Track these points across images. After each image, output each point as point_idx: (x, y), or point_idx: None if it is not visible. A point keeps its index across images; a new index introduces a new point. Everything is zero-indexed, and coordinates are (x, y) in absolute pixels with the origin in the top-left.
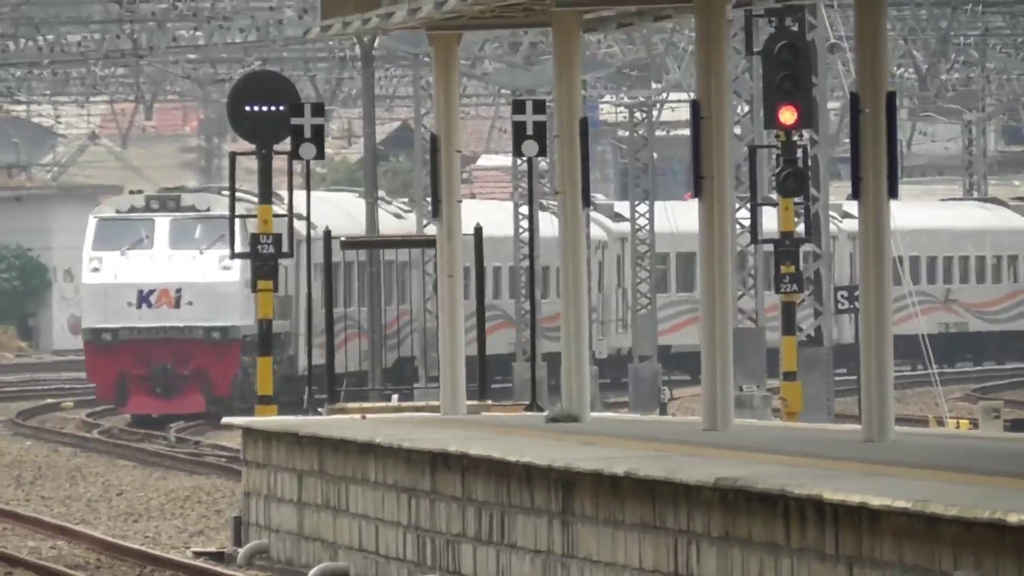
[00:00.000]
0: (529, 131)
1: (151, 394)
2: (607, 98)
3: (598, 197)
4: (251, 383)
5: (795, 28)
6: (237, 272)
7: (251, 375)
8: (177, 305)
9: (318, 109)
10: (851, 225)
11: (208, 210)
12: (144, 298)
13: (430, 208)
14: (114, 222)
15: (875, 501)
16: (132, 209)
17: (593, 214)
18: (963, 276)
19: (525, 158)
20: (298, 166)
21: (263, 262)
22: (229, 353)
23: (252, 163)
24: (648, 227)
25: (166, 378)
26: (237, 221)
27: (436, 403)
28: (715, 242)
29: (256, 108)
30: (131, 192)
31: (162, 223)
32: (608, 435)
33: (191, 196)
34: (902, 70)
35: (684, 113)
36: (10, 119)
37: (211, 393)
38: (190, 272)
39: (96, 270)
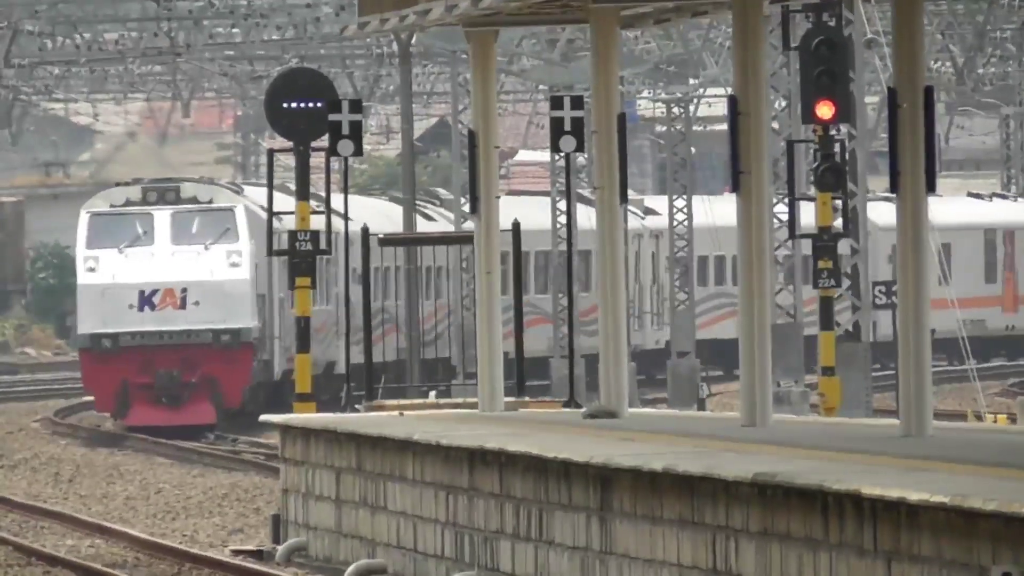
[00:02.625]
0: (567, 127)
1: (155, 404)
2: (645, 94)
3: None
4: (264, 390)
5: (832, 23)
6: (247, 269)
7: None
8: (183, 306)
9: (356, 106)
10: (879, 218)
11: (211, 202)
12: (146, 299)
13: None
14: (108, 217)
15: (913, 496)
16: (128, 203)
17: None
18: None
19: (563, 154)
20: (336, 163)
21: (301, 259)
22: (240, 358)
23: (289, 160)
24: (687, 222)
25: (172, 386)
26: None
27: (474, 400)
28: (753, 237)
29: (294, 105)
30: (121, 183)
31: (162, 217)
32: (646, 431)
33: (192, 187)
34: (939, 64)
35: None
36: (48, 117)
37: (221, 402)
38: (196, 270)
39: (92, 270)
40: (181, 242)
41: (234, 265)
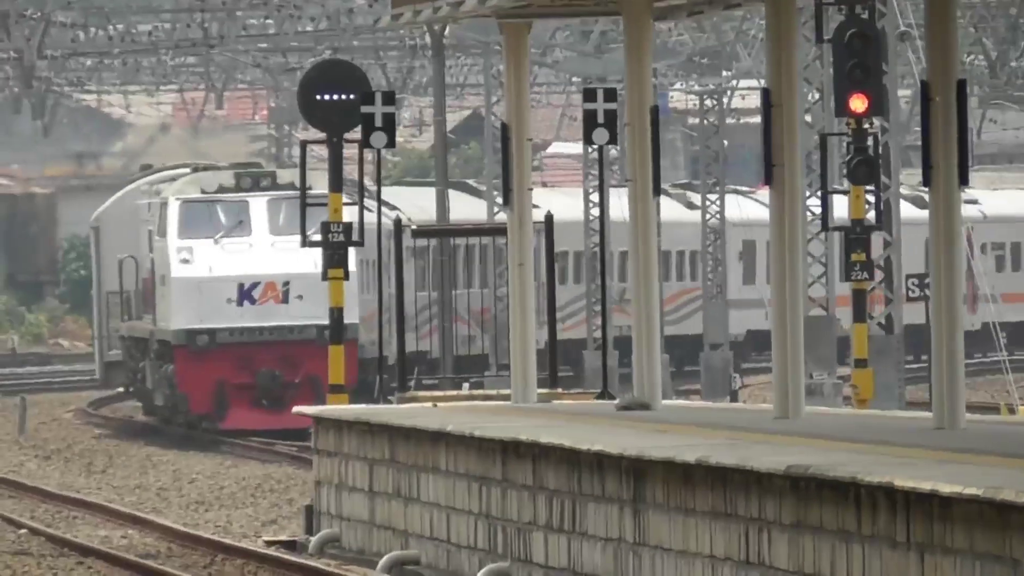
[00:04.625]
0: (600, 119)
1: (255, 406)
2: (678, 86)
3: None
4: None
5: (865, 16)
6: (352, 261)
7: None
8: (285, 300)
9: (389, 97)
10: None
11: (311, 189)
12: (246, 293)
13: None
14: (201, 205)
15: (946, 488)
16: (220, 189)
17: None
18: None
19: (596, 146)
20: (369, 155)
21: (334, 250)
22: (347, 357)
23: (323, 151)
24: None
25: (273, 387)
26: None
27: (507, 391)
28: (786, 230)
29: (327, 97)
30: (205, 168)
31: (258, 205)
32: (679, 423)
33: (289, 173)
34: (972, 58)
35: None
36: (80, 109)
37: (326, 404)
38: (298, 262)
39: (186, 261)
40: (281, 232)
41: None
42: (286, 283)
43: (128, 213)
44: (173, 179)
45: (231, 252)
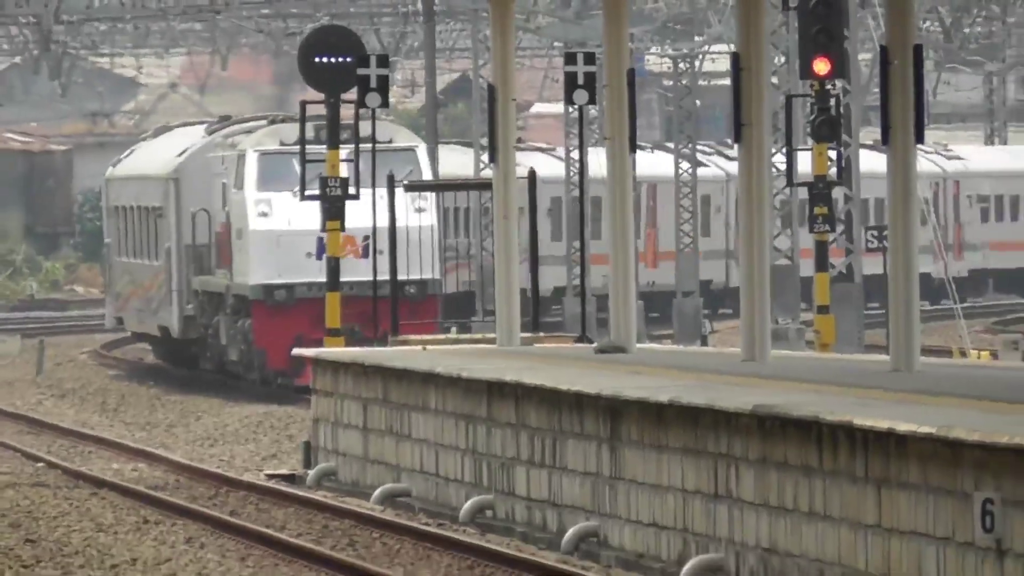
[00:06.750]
0: (580, 81)
1: None
2: (653, 50)
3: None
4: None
5: None
6: (432, 215)
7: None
8: (364, 255)
9: (383, 61)
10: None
11: (391, 141)
12: (325, 247)
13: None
14: (280, 157)
15: (902, 427)
16: (297, 141)
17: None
18: None
19: (576, 106)
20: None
21: (332, 203)
22: (427, 313)
23: (321, 110)
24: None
25: (353, 343)
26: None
27: (492, 335)
28: (753, 185)
29: (325, 60)
30: (283, 120)
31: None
32: (653, 365)
33: (368, 125)
34: (928, 24)
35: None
36: (95, 70)
37: None
38: (379, 216)
39: (264, 215)
40: (362, 185)
41: (420, 210)
42: (366, 237)
43: (205, 166)
44: (249, 131)
45: (310, 205)
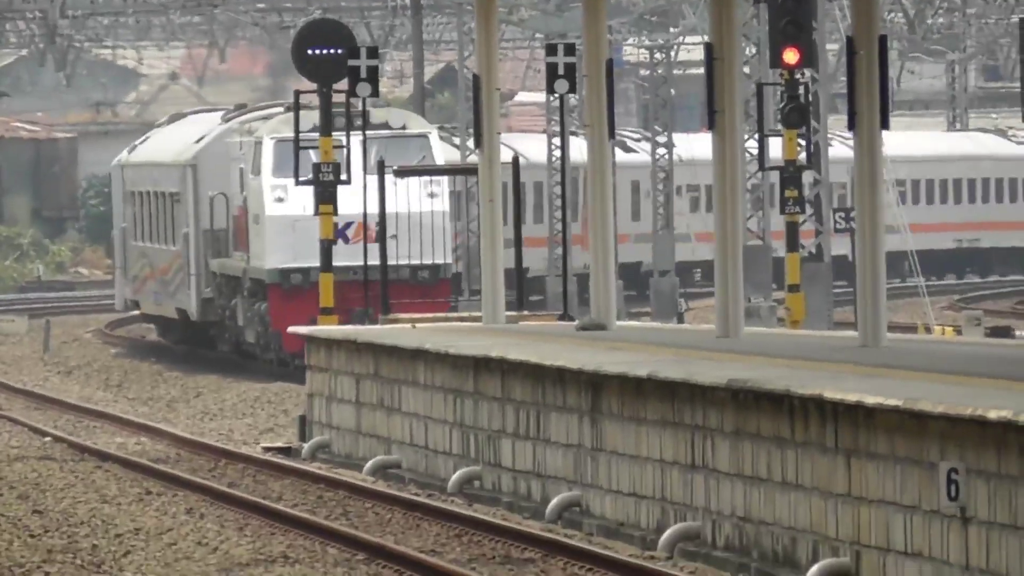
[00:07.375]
0: (561, 71)
1: None
2: (630, 41)
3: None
4: None
5: None
6: (444, 200)
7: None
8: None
9: (373, 52)
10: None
11: (404, 128)
12: (340, 232)
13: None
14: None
15: (870, 400)
16: (314, 128)
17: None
18: None
19: (557, 95)
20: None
21: (324, 188)
22: (439, 296)
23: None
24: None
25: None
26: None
27: (478, 314)
28: (727, 169)
29: (318, 51)
30: (298, 105)
31: (352, 144)
32: (632, 342)
33: (382, 112)
34: (892, 15)
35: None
36: (98, 62)
37: None
38: (392, 201)
39: (280, 200)
40: (373, 171)
41: (432, 196)
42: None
43: (222, 152)
44: (266, 118)
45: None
